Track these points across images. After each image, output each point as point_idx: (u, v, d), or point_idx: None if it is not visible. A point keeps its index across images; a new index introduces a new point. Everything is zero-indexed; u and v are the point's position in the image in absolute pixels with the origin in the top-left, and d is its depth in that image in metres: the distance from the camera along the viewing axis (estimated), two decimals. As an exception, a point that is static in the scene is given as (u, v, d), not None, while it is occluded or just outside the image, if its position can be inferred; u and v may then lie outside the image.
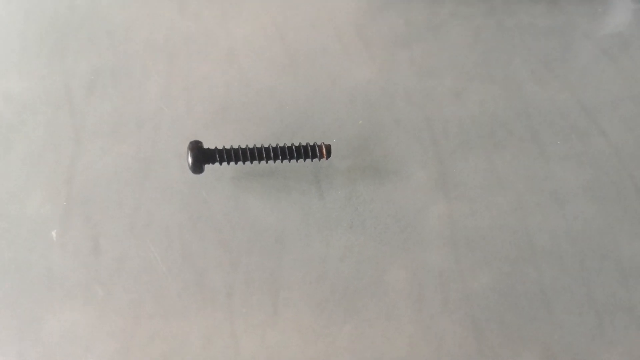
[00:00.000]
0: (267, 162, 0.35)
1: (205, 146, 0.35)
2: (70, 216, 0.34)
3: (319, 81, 0.41)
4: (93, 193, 0.35)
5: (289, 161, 0.35)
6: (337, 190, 0.36)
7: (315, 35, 0.43)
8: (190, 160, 0.33)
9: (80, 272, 0.33)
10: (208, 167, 0.35)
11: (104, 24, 0.42)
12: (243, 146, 0.34)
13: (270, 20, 0.43)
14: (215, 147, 0.34)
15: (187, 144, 0.34)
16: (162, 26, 0.42)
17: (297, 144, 0.35)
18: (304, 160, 0.35)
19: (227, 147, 0.34)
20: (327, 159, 0.35)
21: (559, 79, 0.42)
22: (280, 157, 0.34)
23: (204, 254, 0.34)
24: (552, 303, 0.33)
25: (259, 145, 0.35)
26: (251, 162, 0.35)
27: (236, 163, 0.34)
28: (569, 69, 0.42)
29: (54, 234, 0.34)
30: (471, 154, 0.38)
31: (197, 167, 0.33)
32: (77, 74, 0.40)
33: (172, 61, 0.41)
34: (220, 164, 0.34)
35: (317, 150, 0.34)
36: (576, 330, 0.32)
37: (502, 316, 0.32)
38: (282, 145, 0.35)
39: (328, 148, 0.35)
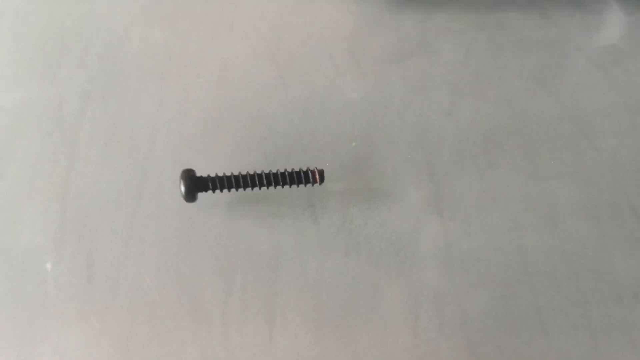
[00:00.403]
0: (260, 189, 0.35)
1: (198, 172, 0.34)
2: (64, 246, 0.34)
3: (311, 101, 0.41)
4: (86, 221, 0.35)
5: (282, 187, 0.35)
6: (331, 214, 0.36)
7: (307, 55, 0.43)
8: (183, 189, 0.33)
9: (75, 302, 0.33)
10: (202, 193, 0.35)
11: (94, 44, 0.42)
12: (236, 173, 0.34)
13: (261, 41, 0.43)
14: (208, 175, 0.34)
15: (180, 169, 0.34)
16: (153, 47, 0.42)
17: (290, 170, 0.35)
18: (297, 186, 0.35)
19: (220, 174, 0.34)
20: (320, 184, 0.35)
21: (552, 94, 0.42)
22: (273, 184, 0.34)
23: (199, 281, 0.33)
24: (548, 324, 0.33)
25: (252, 172, 0.34)
26: (244, 189, 0.34)
27: (229, 190, 0.34)
28: (562, 83, 0.42)
29: (48, 266, 0.34)
30: (465, 173, 0.38)
31: (190, 196, 0.33)
32: (68, 97, 0.40)
33: (163, 83, 0.40)
34: (213, 191, 0.34)
35: (311, 176, 0.34)
36: (572, 352, 0.32)
37: (498, 339, 0.32)
38: (275, 171, 0.34)
39: (321, 173, 0.35)
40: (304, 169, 0.35)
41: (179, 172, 0.34)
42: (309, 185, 0.35)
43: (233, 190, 0.34)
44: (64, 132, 0.38)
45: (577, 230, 0.35)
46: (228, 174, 0.34)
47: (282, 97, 0.40)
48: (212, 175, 0.34)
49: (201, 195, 0.35)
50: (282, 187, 0.35)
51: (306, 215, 0.35)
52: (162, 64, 0.42)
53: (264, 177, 0.34)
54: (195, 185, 0.33)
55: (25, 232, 0.35)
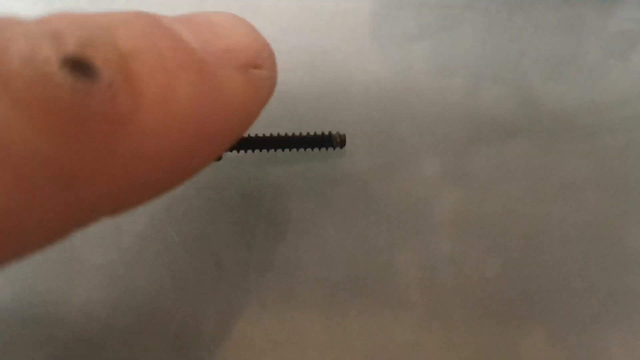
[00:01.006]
0: (279, 150, 0.35)
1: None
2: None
3: (335, 78, 0.42)
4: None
5: (305, 150, 0.36)
6: (350, 179, 0.37)
7: (331, 36, 0.44)
8: None
9: (104, 253, 0.34)
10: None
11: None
12: (253, 134, 0.35)
13: (286, 22, 0.44)
14: None
15: None
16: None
17: (311, 133, 0.36)
18: (319, 149, 0.36)
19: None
20: (341, 147, 0.36)
21: (570, 77, 0.43)
22: (295, 146, 0.35)
23: (218, 234, 0.35)
24: (559, 288, 0.33)
25: (274, 134, 0.35)
26: (260, 151, 0.35)
27: (245, 152, 0.35)
28: (579, 67, 0.43)
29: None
30: (483, 148, 0.39)
31: None
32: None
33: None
34: (231, 151, 0.35)
35: (332, 139, 0.35)
36: (582, 312, 0.33)
37: (512, 301, 0.33)
38: (296, 134, 0.35)
39: (343, 137, 0.36)
40: (327, 133, 0.36)
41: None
42: (330, 149, 0.36)
43: (257, 151, 0.35)
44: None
45: (590, 200, 0.36)
46: (252, 134, 0.35)
47: (307, 73, 0.42)
48: None
49: (227, 154, 0.36)
50: (305, 150, 0.36)
51: (327, 180, 0.37)
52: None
53: (284, 139, 0.35)
54: None
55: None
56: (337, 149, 0.36)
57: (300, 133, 0.36)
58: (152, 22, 0.18)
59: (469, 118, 0.40)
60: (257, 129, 0.38)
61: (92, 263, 0.34)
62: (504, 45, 0.44)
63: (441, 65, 0.43)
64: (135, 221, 0.35)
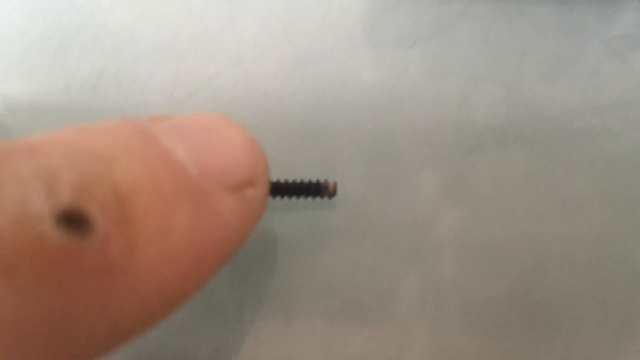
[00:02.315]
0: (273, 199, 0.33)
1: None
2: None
3: (327, 83, 0.40)
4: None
5: (290, 199, 0.33)
6: (348, 198, 0.35)
7: (323, 37, 0.42)
8: None
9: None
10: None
11: (107, 25, 0.41)
12: None
13: (277, 22, 0.42)
14: None
15: None
16: (167, 27, 0.41)
17: (300, 180, 0.32)
18: (306, 199, 0.33)
19: None
20: (330, 198, 0.33)
21: (570, 81, 0.41)
22: (281, 194, 0.32)
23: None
24: (568, 312, 0.32)
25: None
26: None
27: None
28: (580, 70, 0.42)
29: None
30: (483, 158, 0.37)
31: None
32: (81, 76, 0.39)
33: (177, 63, 0.40)
34: None
35: (323, 188, 0.32)
36: (593, 340, 0.32)
37: (519, 326, 0.32)
38: (283, 180, 0.32)
39: (334, 186, 0.33)
40: (315, 180, 0.33)
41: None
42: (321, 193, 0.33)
43: None
44: (77, 109, 0.38)
45: (596, 217, 0.35)
46: None
47: (298, 79, 0.40)
48: None
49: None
50: (290, 199, 0.33)
51: (322, 203, 0.35)
52: (176, 44, 0.41)
53: (276, 185, 0.32)
54: None
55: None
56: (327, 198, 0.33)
57: (294, 180, 0.32)
58: (148, 144, 0.17)
59: (468, 125, 0.39)
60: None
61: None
62: (502, 48, 0.43)
63: (437, 69, 0.41)
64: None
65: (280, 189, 0.32)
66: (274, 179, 0.33)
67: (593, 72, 0.42)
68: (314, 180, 0.33)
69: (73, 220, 0.13)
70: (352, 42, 0.42)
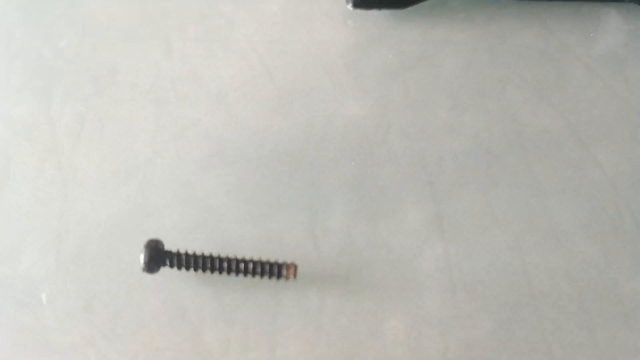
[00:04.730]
0: (228, 274, 0.33)
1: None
2: (61, 276, 0.34)
3: (312, 119, 0.40)
4: (83, 251, 0.35)
5: (252, 276, 0.33)
6: (332, 237, 0.35)
7: (305, 72, 0.42)
8: (142, 262, 0.32)
9: (73, 334, 0.32)
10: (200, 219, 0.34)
11: (88, 69, 0.41)
12: (207, 253, 0.33)
13: (258, 59, 0.42)
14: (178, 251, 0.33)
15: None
16: (147, 70, 0.41)
17: (262, 260, 0.33)
18: (269, 278, 0.33)
19: (190, 252, 0.33)
20: (293, 278, 0.32)
21: (553, 106, 0.41)
22: (243, 273, 0.32)
23: (199, 310, 0.33)
24: (553, 348, 0.32)
25: (222, 256, 0.33)
26: (211, 272, 0.32)
27: (196, 271, 0.32)
28: (563, 95, 0.42)
29: (43, 296, 0.33)
30: (466, 192, 0.37)
31: (150, 269, 0.32)
32: (63, 122, 0.39)
33: (159, 106, 0.40)
34: (179, 269, 0.32)
35: (283, 270, 0.32)
36: (578, 376, 0.32)
37: (504, 364, 0.32)
38: (247, 259, 0.33)
39: (294, 268, 0.32)
40: (279, 261, 0.33)
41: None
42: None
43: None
44: (60, 157, 0.38)
45: (580, 249, 0.35)
46: (199, 252, 0.33)
47: (282, 116, 0.40)
48: (182, 250, 0.33)
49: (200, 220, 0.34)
50: (252, 277, 0.33)
51: (307, 240, 0.35)
52: (157, 83, 0.41)
53: (234, 264, 0.32)
54: (155, 260, 0.32)
55: (22, 262, 0.34)
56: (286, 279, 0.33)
57: (252, 259, 0.32)
58: None
59: (452, 156, 0.39)
60: (232, 179, 0.36)
61: (61, 344, 0.32)
62: (485, 76, 0.43)
63: (422, 100, 0.41)
64: (107, 297, 0.33)
65: (239, 269, 0.32)
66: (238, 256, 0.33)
67: (576, 97, 0.42)
68: (272, 260, 0.32)
69: None
70: (336, 77, 0.42)
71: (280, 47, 0.43)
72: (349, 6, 0.42)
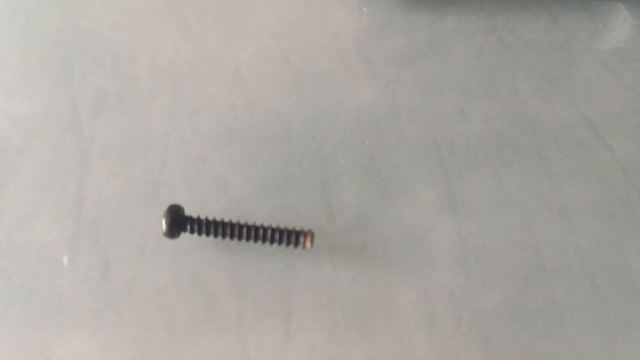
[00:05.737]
0: (247, 241, 0.33)
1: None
2: (79, 241, 0.34)
3: (324, 101, 0.41)
4: (102, 217, 0.35)
5: (271, 244, 0.33)
6: (347, 211, 0.36)
7: (320, 56, 0.43)
8: (164, 227, 0.32)
9: (91, 297, 0.33)
10: (215, 192, 0.34)
11: (109, 46, 0.42)
12: (226, 220, 0.33)
13: (275, 41, 0.43)
14: (193, 217, 0.33)
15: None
16: (166, 48, 0.42)
17: (280, 227, 0.33)
18: (287, 246, 0.33)
19: (210, 217, 0.33)
20: (310, 246, 0.33)
21: (563, 95, 0.42)
22: (261, 239, 0.33)
23: (215, 278, 0.33)
24: (564, 321, 0.33)
25: (242, 222, 0.33)
26: (230, 239, 0.33)
27: (215, 237, 0.33)
28: (572, 85, 0.42)
29: (65, 259, 0.34)
30: (478, 172, 0.38)
31: (172, 233, 0.32)
32: (83, 97, 0.40)
33: (177, 84, 0.41)
34: (200, 234, 0.33)
35: (301, 237, 0.32)
36: (589, 349, 0.32)
37: (515, 335, 0.32)
38: (266, 226, 0.33)
39: (312, 236, 0.33)
40: (297, 228, 0.33)
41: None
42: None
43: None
44: (80, 129, 0.39)
45: (591, 227, 0.36)
46: (218, 218, 0.33)
47: (296, 97, 0.41)
48: (203, 215, 0.33)
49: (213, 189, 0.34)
50: (270, 244, 0.33)
51: (322, 213, 0.35)
52: (175, 65, 0.42)
53: (252, 230, 0.32)
54: (176, 225, 0.32)
55: (40, 227, 0.35)
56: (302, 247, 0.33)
57: (271, 226, 0.33)
58: None
59: (463, 140, 0.39)
60: (246, 157, 0.37)
61: (80, 308, 0.33)
62: (495, 64, 0.43)
63: (432, 86, 0.42)
64: (123, 263, 0.34)
65: (257, 235, 0.32)
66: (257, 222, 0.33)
67: (585, 86, 0.42)
68: (291, 228, 0.33)
69: None
70: (348, 61, 0.43)
71: (296, 31, 0.44)
72: (365, -9, 0.43)
